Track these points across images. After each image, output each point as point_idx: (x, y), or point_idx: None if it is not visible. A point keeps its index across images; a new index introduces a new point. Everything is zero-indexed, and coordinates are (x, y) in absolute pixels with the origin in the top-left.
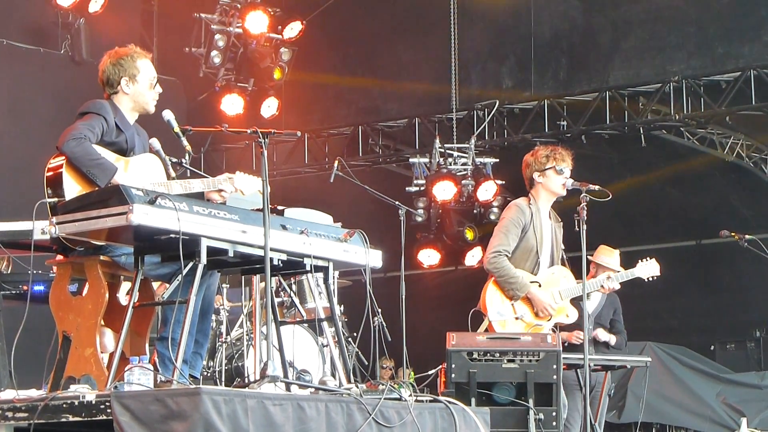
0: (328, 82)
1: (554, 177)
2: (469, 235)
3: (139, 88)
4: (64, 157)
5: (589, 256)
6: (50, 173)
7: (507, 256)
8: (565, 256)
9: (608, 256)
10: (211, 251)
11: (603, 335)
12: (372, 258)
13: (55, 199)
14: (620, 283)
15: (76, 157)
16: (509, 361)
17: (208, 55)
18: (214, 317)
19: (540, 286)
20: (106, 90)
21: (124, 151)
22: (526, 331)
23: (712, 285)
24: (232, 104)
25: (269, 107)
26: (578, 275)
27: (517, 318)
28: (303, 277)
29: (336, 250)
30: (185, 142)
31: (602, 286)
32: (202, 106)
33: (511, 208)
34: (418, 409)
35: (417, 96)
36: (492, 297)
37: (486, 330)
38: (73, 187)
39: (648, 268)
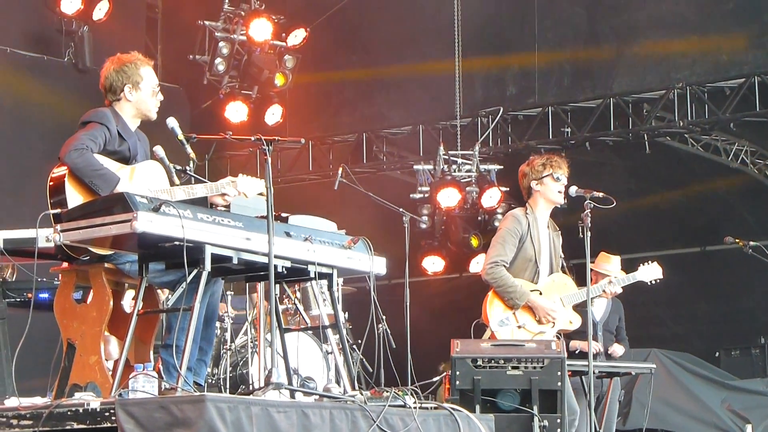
0: (332, 90)
1: (552, 184)
2: (475, 242)
3: (142, 96)
4: (66, 167)
5: (593, 267)
6: (53, 183)
7: (504, 266)
8: (566, 264)
9: (608, 263)
10: (216, 258)
11: (619, 350)
12: (376, 265)
13: (58, 210)
14: (623, 288)
15: (78, 167)
16: (514, 368)
17: (212, 62)
18: (218, 324)
19: (541, 294)
20: (108, 97)
21: (126, 159)
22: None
23: (717, 292)
24: (236, 111)
25: (273, 114)
26: (581, 282)
27: (519, 327)
28: (307, 284)
29: (340, 257)
30: (189, 150)
31: (604, 291)
32: (206, 114)
33: (507, 218)
34: (423, 416)
35: (421, 103)
36: (493, 307)
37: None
38: (75, 197)
39: (650, 272)
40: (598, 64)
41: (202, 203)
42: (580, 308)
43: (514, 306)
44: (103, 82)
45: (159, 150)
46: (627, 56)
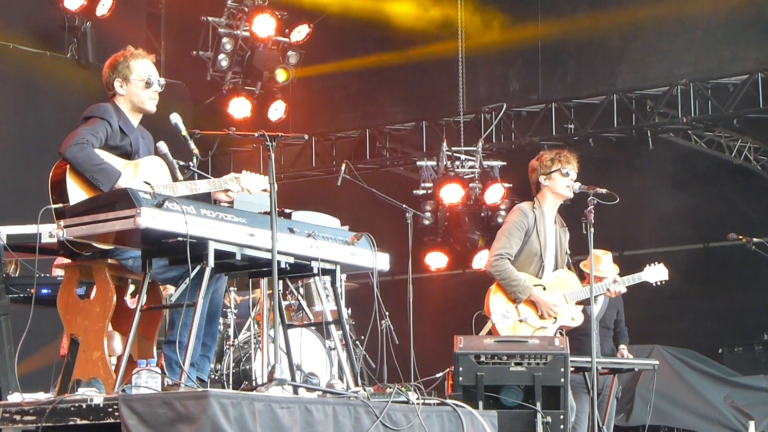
0: (335, 86)
1: (560, 179)
2: (481, 241)
3: (132, 89)
4: (67, 163)
5: (582, 267)
6: (54, 178)
7: (509, 259)
8: (571, 261)
9: (599, 263)
10: (219, 254)
11: (626, 353)
12: (379, 261)
13: (60, 205)
14: (627, 287)
15: (78, 162)
16: (517, 364)
17: (216, 58)
18: (221, 320)
19: (545, 289)
20: (109, 93)
21: (128, 155)
22: (531, 334)
23: (720, 288)
24: (239, 107)
25: (276, 110)
26: (583, 278)
27: (521, 320)
28: (310, 280)
29: (343, 253)
30: (193, 146)
31: (608, 290)
32: (210, 110)
33: (514, 212)
34: (426, 412)
35: (424, 99)
36: (496, 300)
37: (489, 333)
38: (77, 192)
39: (656, 273)
40: (601, 60)
41: (205, 199)
42: (583, 305)
43: (516, 299)
44: (103, 79)
45: (162, 146)
46: (630, 52)
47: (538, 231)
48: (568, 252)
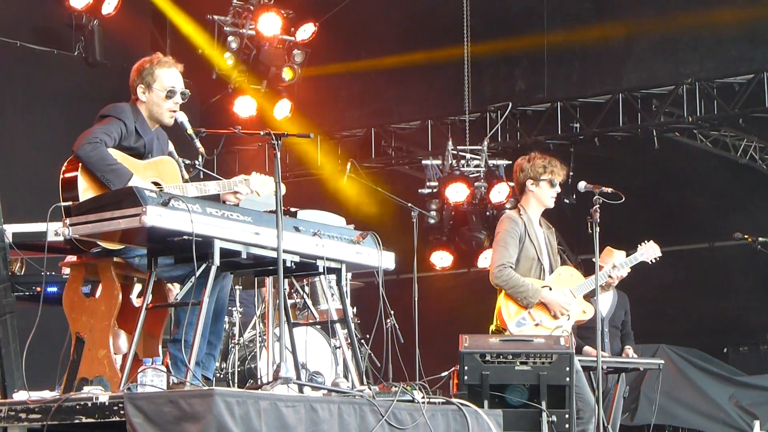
0: (340, 84)
1: (547, 189)
2: (486, 241)
3: (153, 98)
4: (79, 162)
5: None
6: (65, 176)
7: (511, 266)
8: (569, 260)
9: (613, 258)
10: (224, 253)
11: (631, 352)
12: (385, 260)
13: (69, 203)
14: (630, 281)
15: (91, 161)
16: (522, 363)
17: (221, 57)
18: (226, 319)
19: (551, 289)
20: (132, 95)
21: (141, 156)
22: (551, 335)
23: (725, 287)
24: (244, 106)
25: (282, 109)
26: (588, 275)
27: (537, 325)
28: (316, 279)
29: (349, 252)
30: (198, 144)
31: (610, 276)
32: (215, 108)
33: (504, 221)
34: (431, 411)
35: (430, 98)
36: (507, 310)
37: None
38: (87, 191)
39: (649, 251)
40: (607, 60)
41: (215, 200)
42: (590, 298)
43: (528, 305)
44: (129, 80)
45: (168, 144)
46: (636, 51)
47: (530, 236)
48: (561, 247)
